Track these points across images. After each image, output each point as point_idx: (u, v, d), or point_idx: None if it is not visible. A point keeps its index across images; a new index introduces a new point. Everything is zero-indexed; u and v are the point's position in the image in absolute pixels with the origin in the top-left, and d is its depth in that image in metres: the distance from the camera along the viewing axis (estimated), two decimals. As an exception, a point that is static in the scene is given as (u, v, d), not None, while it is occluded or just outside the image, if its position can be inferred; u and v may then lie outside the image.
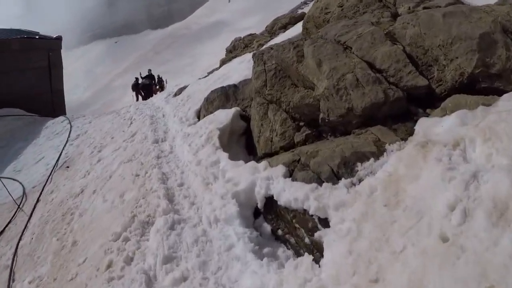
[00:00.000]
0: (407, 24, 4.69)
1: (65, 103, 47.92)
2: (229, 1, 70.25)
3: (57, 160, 10.11)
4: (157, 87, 20.70)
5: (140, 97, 20.35)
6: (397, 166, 3.22)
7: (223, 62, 10.63)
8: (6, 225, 8.02)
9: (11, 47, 16.39)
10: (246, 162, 5.19)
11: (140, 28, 64.98)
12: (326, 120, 4.49)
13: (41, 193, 8.69)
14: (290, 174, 4.03)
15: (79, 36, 62.09)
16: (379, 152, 3.65)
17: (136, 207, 5.22)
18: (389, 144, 3.68)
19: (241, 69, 8.44)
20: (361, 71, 4.25)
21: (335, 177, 3.62)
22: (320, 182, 3.64)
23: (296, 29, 10.51)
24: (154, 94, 19.57)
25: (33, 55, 17.20)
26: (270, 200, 4.18)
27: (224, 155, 5.29)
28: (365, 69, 4.28)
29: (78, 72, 53.73)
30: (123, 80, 48.65)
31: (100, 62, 56.78)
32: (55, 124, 13.75)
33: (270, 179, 4.10)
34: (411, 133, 3.79)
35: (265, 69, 5.77)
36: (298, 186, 3.72)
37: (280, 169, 4.08)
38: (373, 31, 4.69)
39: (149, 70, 21.62)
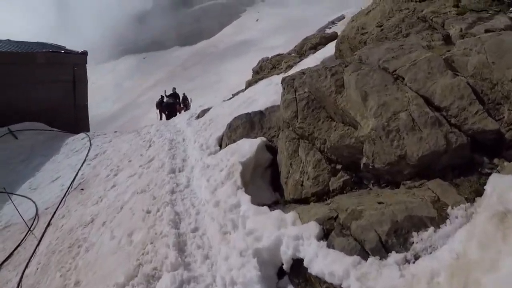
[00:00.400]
0: (470, 50, 3.85)
1: (94, 116, 48.49)
2: (257, 20, 70.57)
3: (72, 181, 9.61)
4: (181, 105, 20.26)
5: (164, 116, 19.95)
6: (467, 246, 2.38)
7: (249, 84, 9.99)
8: (15, 248, 7.64)
9: (36, 60, 16.25)
10: (271, 203, 4.45)
11: (168, 45, 65.77)
12: (370, 167, 3.68)
13: (52, 217, 8.21)
14: (325, 234, 3.23)
15: (109, 51, 63.34)
16: (440, 218, 2.82)
17: (143, 254, 4.51)
18: (452, 208, 2.84)
19: (268, 93, 7.76)
20: (417, 109, 3.44)
21: (383, 249, 2.80)
22: (364, 255, 2.83)
23: (328, 50, 9.82)
24: (178, 113, 19.12)
25: (58, 69, 17.00)
26: (298, 262, 3.40)
27: (246, 198, 4.52)
28: (422, 107, 3.46)
29: (107, 86, 54.53)
30: (151, 95, 48.93)
31: (129, 76, 57.52)
32: (75, 141, 13.36)
33: (300, 239, 3.30)
34: (477, 191, 2.95)
35: (296, 97, 5.01)
36: (335, 257, 2.91)
37: (313, 227, 3.28)
38: (430, 58, 3.85)
39: (174, 89, 20.95)
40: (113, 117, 47.77)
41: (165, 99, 20.12)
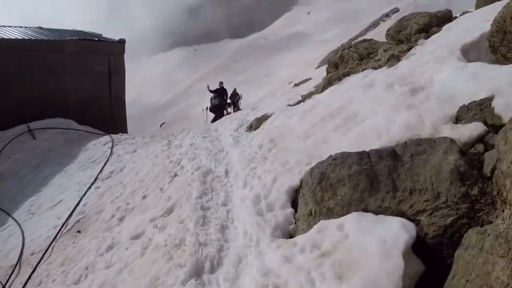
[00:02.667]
0: None
1: (145, 105, 46.80)
2: (309, 13, 66.20)
3: (68, 218, 6.36)
4: (230, 102, 16.40)
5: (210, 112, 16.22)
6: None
7: (329, 82, 6.17)
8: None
9: (64, 49, 13.27)
10: None
11: (219, 37, 62.73)
12: None
13: (29, 277, 5.12)
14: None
15: (160, 43, 61.16)
16: None
17: None
18: None
19: (385, 103, 3.99)
20: None
21: None
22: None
23: (453, 36, 5.81)
24: (226, 112, 15.42)
25: (91, 59, 13.95)
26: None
27: None
28: None
29: (158, 77, 52.52)
30: (200, 87, 46.21)
31: (179, 68, 54.98)
32: (96, 147, 10.17)
33: None
34: None
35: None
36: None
37: None
38: None
39: (221, 83, 16.05)
40: (163, 107, 45.72)
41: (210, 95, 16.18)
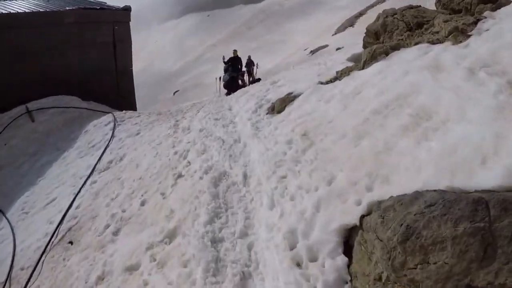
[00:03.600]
0: None
1: (157, 72, 45.22)
2: (325, -24, 62.34)
3: (59, 225, 5.28)
4: (245, 70, 14.61)
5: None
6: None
7: (373, 56, 4.69)
8: None
9: (63, 20, 11.84)
10: None
11: (232, 2, 59.76)
12: None
13: None
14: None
15: (171, 9, 58.48)
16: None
17: None
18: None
19: (473, 100, 2.58)
20: None
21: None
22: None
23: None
24: (241, 82, 13.72)
25: (93, 30, 12.47)
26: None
27: None
28: None
29: (170, 44, 50.70)
30: (214, 53, 44.25)
31: (191, 35, 52.67)
32: (97, 128, 8.97)
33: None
34: None
35: None
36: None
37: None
38: None
39: (234, 52, 14.00)
40: (176, 74, 44.07)
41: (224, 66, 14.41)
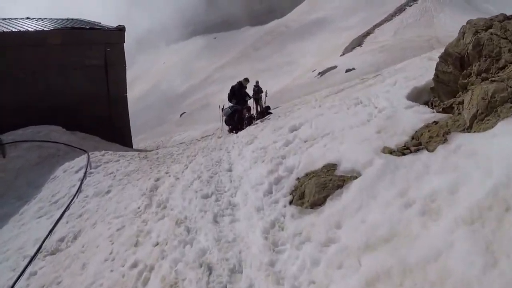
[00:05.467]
0: None
1: (165, 92, 43.58)
2: (330, -2, 61.33)
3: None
4: (253, 97, 11.60)
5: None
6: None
7: (491, 109, 2.43)
8: None
9: (47, 41, 9.97)
10: None
11: (239, 25, 58.79)
12: None
13: None
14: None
15: (179, 32, 57.59)
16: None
17: None
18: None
19: None
20: None
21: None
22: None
23: None
24: (247, 114, 10.65)
25: (82, 51, 10.68)
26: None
27: None
28: None
29: (177, 66, 49.45)
30: (221, 75, 42.85)
31: (199, 57, 51.53)
32: (66, 175, 6.88)
33: None
34: None
35: None
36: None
37: None
38: None
39: (246, 81, 10.48)
40: (184, 95, 42.82)
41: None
